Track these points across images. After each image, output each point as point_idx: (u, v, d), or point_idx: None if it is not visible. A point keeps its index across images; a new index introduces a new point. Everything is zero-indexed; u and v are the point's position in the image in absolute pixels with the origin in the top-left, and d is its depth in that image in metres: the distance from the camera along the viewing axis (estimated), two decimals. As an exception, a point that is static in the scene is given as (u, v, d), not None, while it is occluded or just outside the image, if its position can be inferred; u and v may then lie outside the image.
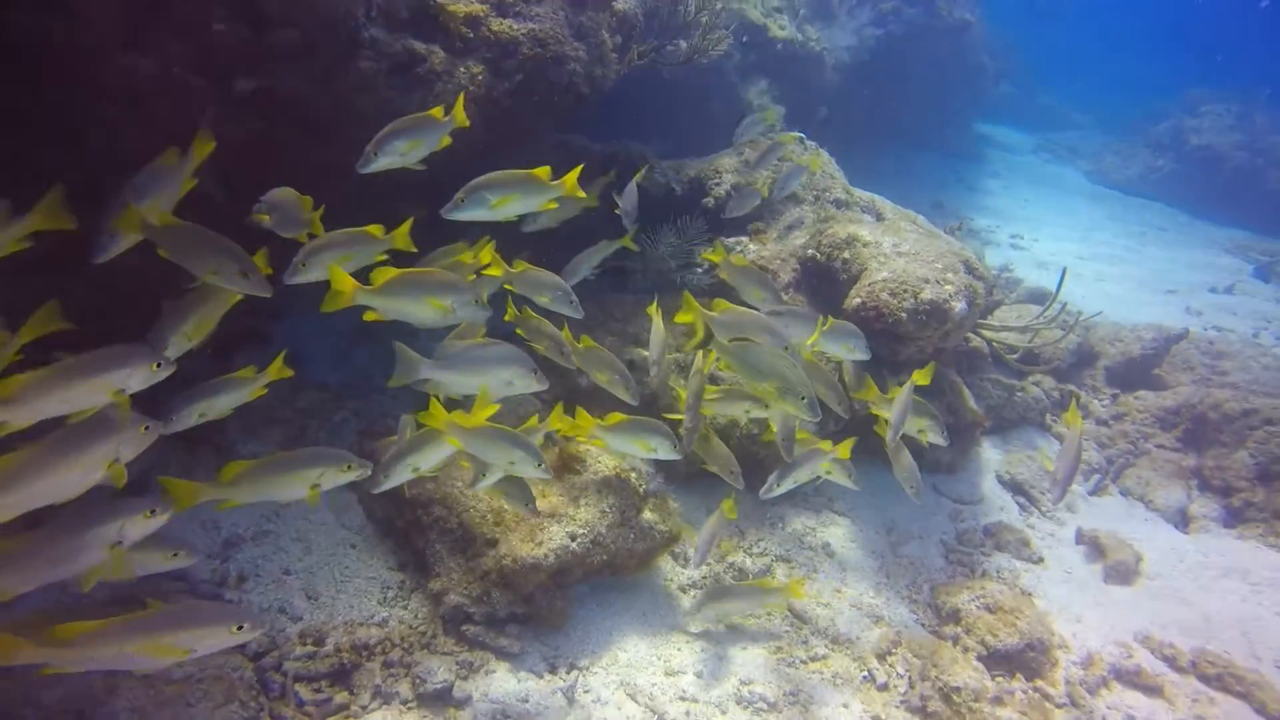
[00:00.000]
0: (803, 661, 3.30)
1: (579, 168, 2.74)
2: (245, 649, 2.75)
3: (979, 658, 3.44)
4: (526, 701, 2.89)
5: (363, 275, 2.43)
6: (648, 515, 3.32)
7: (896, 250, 4.15)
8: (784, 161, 4.67)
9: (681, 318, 3.24)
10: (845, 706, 3.13)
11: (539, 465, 2.52)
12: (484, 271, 2.95)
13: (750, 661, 3.24)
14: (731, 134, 4.87)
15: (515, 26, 3.44)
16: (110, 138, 2.74)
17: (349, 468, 2.31)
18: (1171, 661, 3.71)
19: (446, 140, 2.63)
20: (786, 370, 2.89)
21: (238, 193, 2.57)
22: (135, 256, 2.24)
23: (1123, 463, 5.16)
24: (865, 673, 3.30)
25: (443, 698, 2.83)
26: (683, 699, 3.03)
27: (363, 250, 2.52)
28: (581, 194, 2.79)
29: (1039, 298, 6.72)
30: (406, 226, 2.61)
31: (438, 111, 2.59)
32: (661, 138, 5.63)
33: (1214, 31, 23.79)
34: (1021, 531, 4.36)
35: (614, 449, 3.03)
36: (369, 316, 2.43)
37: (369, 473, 2.37)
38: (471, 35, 3.34)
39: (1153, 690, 3.55)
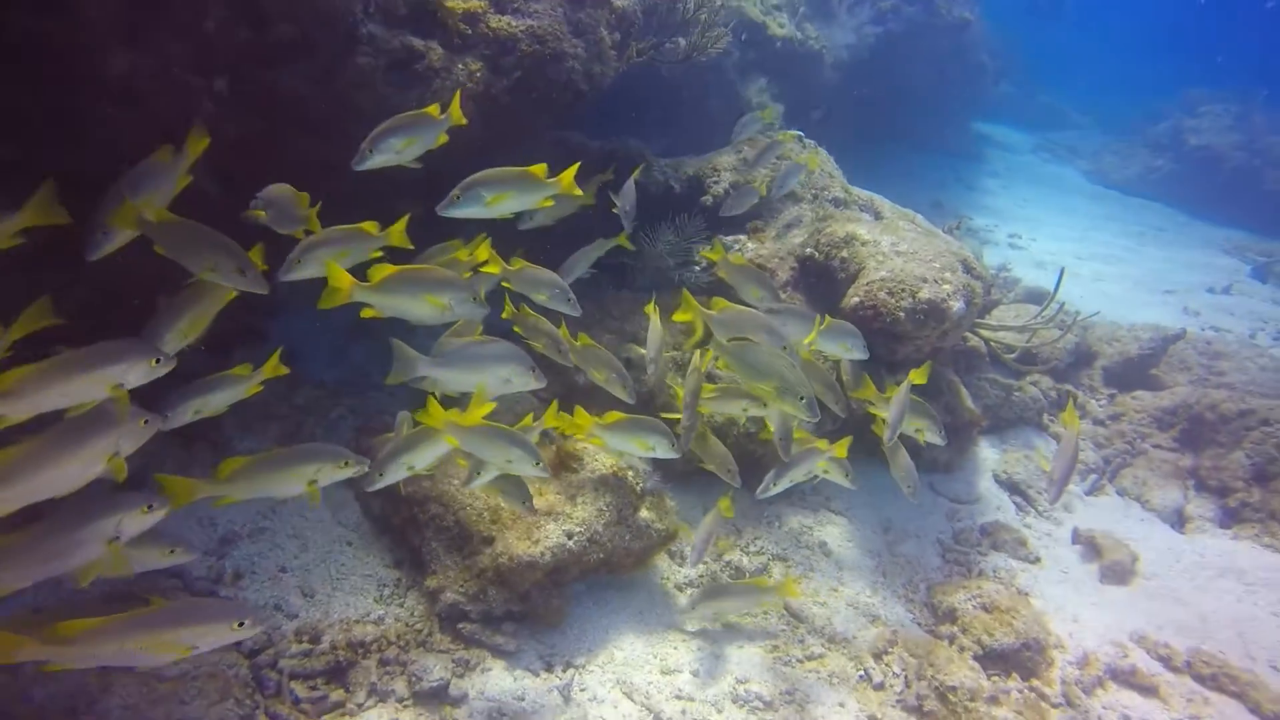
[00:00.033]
0: (799, 660, 3.30)
1: (576, 165, 2.73)
2: (241, 646, 2.74)
3: (975, 657, 3.44)
4: (523, 700, 2.89)
5: (361, 272, 2.43)
6: (645, 514, 3.32)
7: (895, 249, 4.14)
8: (782, 160, 4.66)
9: (680, 316, 3.24)
10: (841, 705, 3.13)
11: (537, 464, 2.51)
12: (482, 269, 2.95)
13: (747, 660, 3.24)
14: (730, 132, 4.86)
15: (514, 23, 3.42)
16: (109, 136, 2.73)
17: (346, 464, 2.30)
18: (1167, 661, 3.72)
19: (443, 138, 2.63)
20: (785, 370, 2.89)
21: (235, 189, 2.56)
22: (131, 253, 2.23)
23: (1120, 463, 5.16)
24: (861, 672, 3.30)
25: (439, 696, 2.83)
26: (679, 698, 3.03)
27: (358, 247, 2.51)
28: (578, 192, 2.78)
29: (1037, 297, 6.73)
30: (402, 224, 2.61)
31: (434, 109, 2.58)
32: (660, 135, 5.62)
33: (1215, 32, 23.81)
34: (1018, 531, 4.36)
35: (612, 447, 3.02)
36: (367, 314, 2.42)
37: (366, 469, 2.36)
38: (470, 32, 3.32)
39: (1148, 690, 3.55)
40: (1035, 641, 3.50)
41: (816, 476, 3.31)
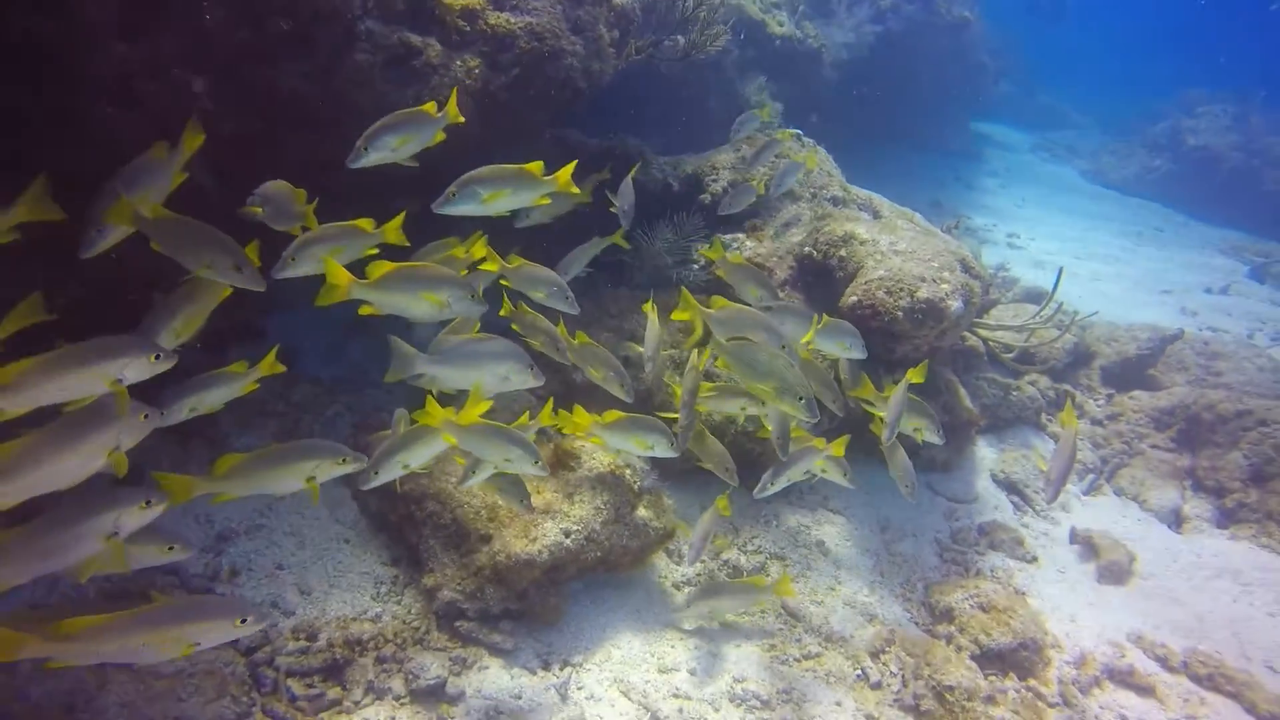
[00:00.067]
0: (796, 659, 3.30)
1: (573, 164, 2.72)
2: (238, 643, 2.74)
3: (972, 657, 3.44)
4: (520, 698, 2.89)
5: (358, 269, 2.42)
6: (642, 512, 3.32)
7: (893, 248, 4.14)
8: (781, 158, 4.66)
9: (679, 315, 3.23)
10: (838, 705, 3.13)
11: (536, 462, 2.51)
12: (480, 266, 2.94)
13: (744, 659, 3.24)
14: (729, 130, 4.86)
15: (512, 20, 3.42)
16: (105, 132, 2.72)
17: (344, 460, 2.30)
18: (1164, 661, 3.72)
19: (440, 136, 2.61)
20: (785, 370, 2.89)
21: (232, 186, 2.55)
22: (128, 250, 2.22)
23: (1117, 463, 5.17)
24: (859, 671, 3.30)
25: (436, 694, 2.83)
26: (676, 696, 3.03)
27: (353, 244, 2.50)
28: (575, 190, 2.77)
29: (1035, 297, 6.73)
30: (398, 221, 2.60)
31: (430, 107, 2.57)
32: (659, 133, 5.61)
33: (1217, 34, 23.84)
34: (1016, 530, 4.36)
35: (611, 446, 3.02)
36: (364, 311, 2.41)
37: (364, 465, 2.36)
38: (468, 28, 3.32)
39: (1145, 690, 3.56)
40: (1032, 641, 3.51)
41: (814, 475, 3.30)
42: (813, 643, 3.39)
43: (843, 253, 4.19)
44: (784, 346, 2.97)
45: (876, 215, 4.77)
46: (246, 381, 2.38)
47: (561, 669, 3.05)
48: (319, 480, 2.27)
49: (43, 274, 2.07)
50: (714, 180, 4.62)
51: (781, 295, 4.17)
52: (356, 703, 2.75)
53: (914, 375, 3.18)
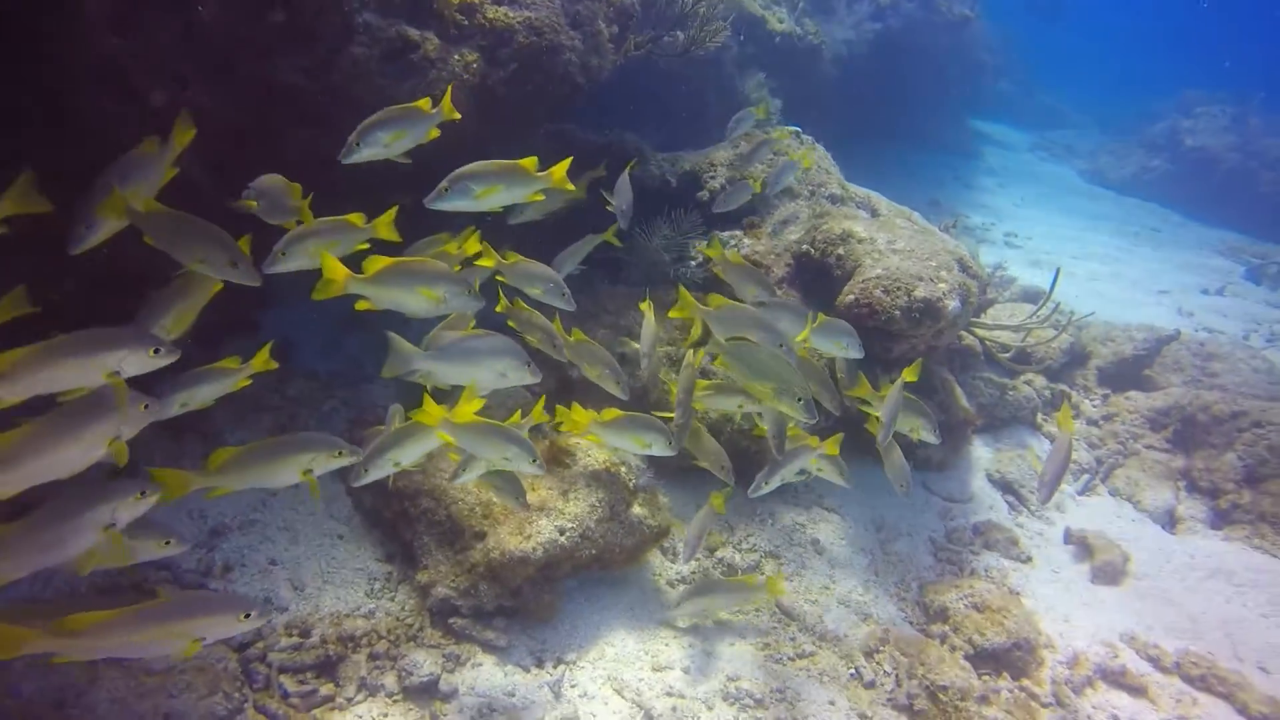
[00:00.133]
0: (790, 658, 3.30)
1: (568, 160, 2.70)
2: (230, 639, 2.73)
3: (966, 656, 3.45)
4: (513, 695, 2.88)
5: (355, 265, 2.40)
6: (637, 510, 3.31)
7: (891, 247, 4.13)
8: (779, 156, 4.64)
9: (676, 313, 3.22)
10: (832, 704, 3.13)
11: (533, 460, 2.50)
12: (476, 262, 2.92)
13: (738, 657, 3.24)
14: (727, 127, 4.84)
15: (511, 14, 3.39)
16: (99, 126, 2.69)
17: (340, 453, 2.28)
18: (1156, 662, 3.73)
19: (434, 133, 2.59)
20: (784, 370, 2.88)
21: (228, 180, 2.53)
22: (118, 246, 2.20)
23: (1112, 463, 5.17)
24: (852, 670, 3.30)
25: (429, 690, 2.82)
26: (669, 695, 3.02)
27: (345, 239, 2.48)
28: (570, 186, 2.75)
29: (1033, 296, 6.74)
30: (390, 215, 2.57)
31: (425, 103, 2.55)
32: (658, 129, 5.59)
33: (1219, 36, 23.86)
34: (1010, 530, 4.37)
35: (609, 445, 3.01)
36: (361, 306, 2.40)
37: (360, 458, 2.35)
38: (466, 22, 3.29)
39: (1137, 690, 3.57)
40: (1026, 641, 3.51)
41: (809, 474, 3.30)
42: (807, 641, 3.39)
43: (840, 251, 4.18)
44: (782, 345, 2.97)
45: (875, 213, 4.76)
46: (239, 377, 2.37)
47: (555, 667, 3.04)
48: (315, 473, 2.26)
49: (32, 268, 2.05)
50: (712, 177, 4.61)
51: (779, 293, 4.16)
52: (349, 699, 2.74)
53: (909, 374, 3.17)
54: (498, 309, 3.14)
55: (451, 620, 3.02)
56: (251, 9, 2.78)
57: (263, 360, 2.40)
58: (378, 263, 2.37)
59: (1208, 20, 24.92)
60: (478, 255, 2.90)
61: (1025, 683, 3.44)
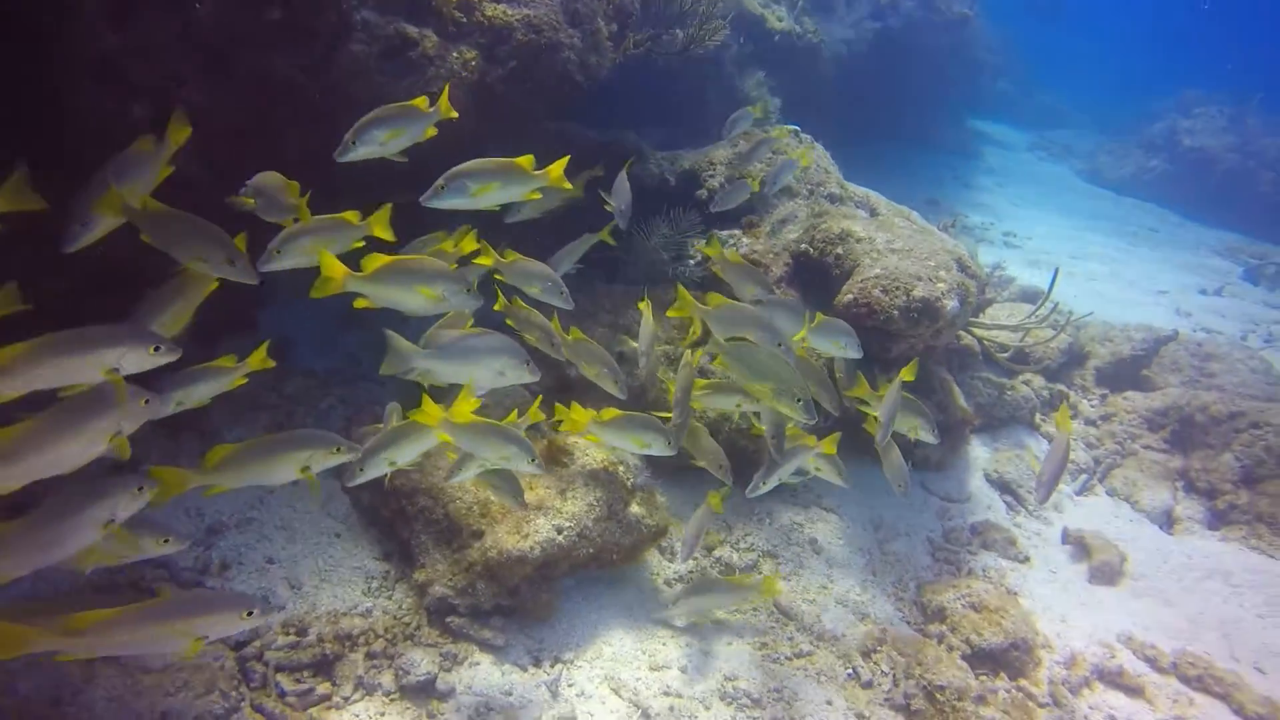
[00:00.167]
0: (787, 658, 3.30)
1: (565, 158, 2.69)
2: (227, 638, 2.72)
3: (963, 656, 3.45)
4: (510, 695, 2.88)
5: (354, 263, 2.39)
6: (635, 509, 3.31)
7: (889, 247, 4.13)
8: (778, 155, 4.64)
9: (675, 312, 3.21)
10: (829, 703, 3.13)
11: (532, 460, 2.50)
12: (474, 260, 2.92)
13: (735, 657, 3.24)
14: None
15: (509, 12, 3.39)
16: (100, 125, 2.68)
17: (338, 450, 2.28)
18: (1153, 662, 3.73)
19: (431, 131, 2.58)
20: (784, 371, 2.88)
21: (226, 177, 2.52)
22: (112, 244, 2.19)
23: (1110, 463, 5.18)
24: (850, 670, 3.30)
25: (426, 689, 2.82)
26: (667, 694, 3.02)
27: (340, 237, 2.47)
28: (567, 185, 2.74)
29: (1031, 296, 6.74)
30: (385, 213, 2.56)
31: (421, 102, 2.53)
32: (657, 128, 5.58)
33: (1221, 38, 23.88)
34: (1008, 530, 4.37)
35: (609, 444, 3.01)
36: (359, 304, 2.39)
37: (358, 455, 2.34)
38: (465, 20, 3.29)
39: (1134, 691, 3.57)
40: (1023, 641, 3.51)
41: (807, 473, 3.30)
42: (804, 641, 3.39)
43: (839, 250, 4.18)
44: (781, 345, 2.96)
45: (873, 213, 4.75)
46: (235, 376, 2.36)
47: (552, 666, 3.04)
48: (313, 470, 2.25)
49: (24, 266, 2.04)
50: (711, 176, 4.61)
51: (777, 292, 4.16)
52: (346, 698, 2.74)
53: (906, 374, 3.17)
54: (496, 307, 3.13)
55: (449, 619, 3.01)
56: (249, 5, 2.77)
57: (259, 359, 2.39)
58: (376, 261, 2.36)
59: (1207, 21, 24.95)
60: (475, 253, 2.89)
61: (1022, 683, 3.45)
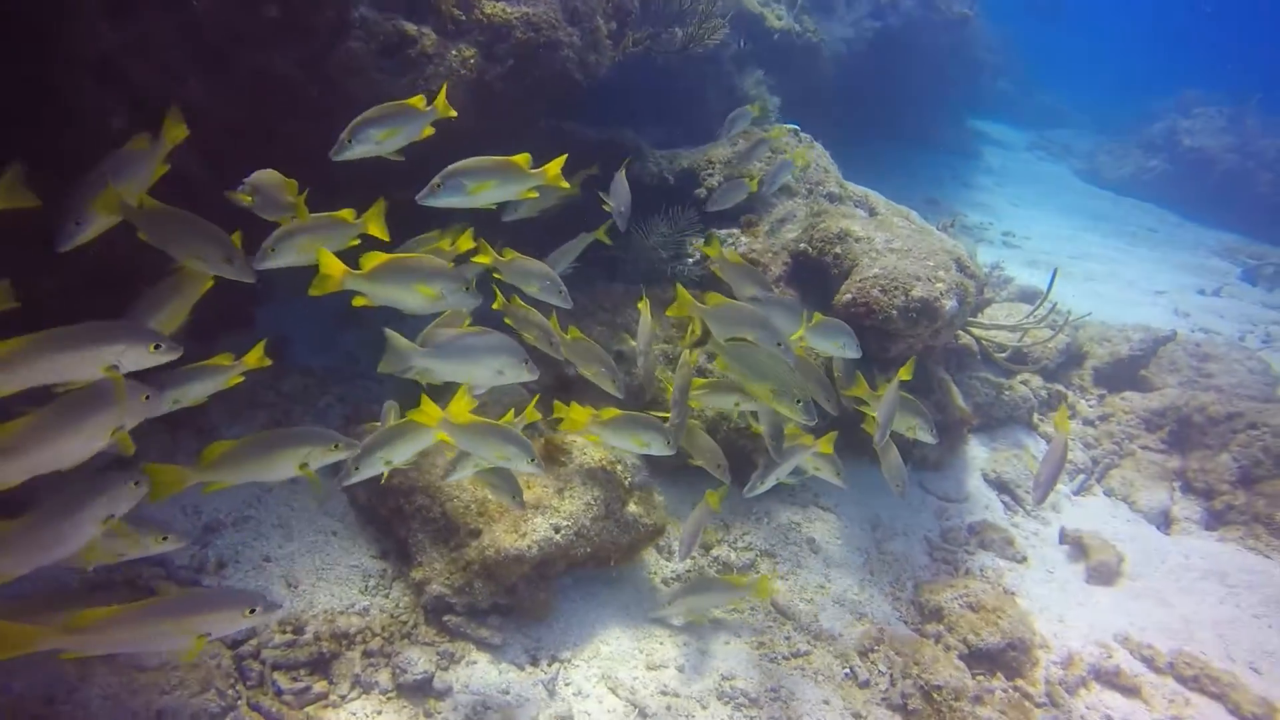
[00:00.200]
0: (785, 657, 3.30)
1: (563, 157, 2.69)
2: (223, 636, 2.71)
3: (961, 656, 3.45)
4: (507, 693, 2.88)
5: (352, 261, 2.39)
6: (633, 508, 3.30)
7: (888, 246, 4.13)
8: (777, 154, 4.63)
9: (674, 311, 3.21)
10: (826, 703, 3.13)
11: (532, 460, 2.50)
12: (473, 259, 2.91)
13: (732, 656, 3.24)
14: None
15: (508, 10, 3.38)
16: (98, 123, 2.67)
17: (336, 446, 2.27)
18: (1150, 662, 3.74)
19: (428, 130, 2.57)
20: (784, 372, 2.88)
21: (224, 175, 2.52)
22: (107, 243, 2.18)
23: (1108, 463, 5.18)
24: (847, 670, 3.30)
25: (423, 688, 2.81)
26: (664, 693, 3.02)
27: (335, 235, 2.46)
28: (564, 183, 2.73)
29: (1030, 296, 6.74)
30: (379, 210, 2.56)
31: (419, 100, 2.52)
32: (656, 126, 5.58)
33: (1222, 40, 23.90)
34: (1006, 530, 4.37)
35: (608, 444, 3.00)
36: (358, 302, 2.39)
37: (356, 452, 2.33)
38: (464, 18, 3.28)
39: (1131, 691, 3.58)
40: (1020, 641, 3.52)
41: (805, 472, 3.29)
42: (801, 640, 3.39)
43: (838, 250, 4.17)
44: (780, 344, 2.96)
45: (872, 212, 4.75)
46: (231, 374, 2.35)
47: (550, 665, 3.04)
48: (312, 467, 2.25)
49: (16, 263, 2.03)
50: (710, 175, 4.60)
51: (775, 291, 4.15)
52: (343, 697, 2.74)
53: (903, 373, 3.17)
54: (494, 306, 3.13)
55: (446, 618, 3.01)
56: (247, 3, 2.76)
57: (256, 357, 2.38)
58: (375, 259, 2.35)
59: (1207, 21, 24.96)
60: (472, 252, 2.89)
61: (1019, 683, 3.45)
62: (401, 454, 2.43)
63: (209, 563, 2.98)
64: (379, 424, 2.89)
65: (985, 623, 3.54)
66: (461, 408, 2.41)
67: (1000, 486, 4.74)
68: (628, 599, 3.39)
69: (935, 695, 3.20)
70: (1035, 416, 5.34)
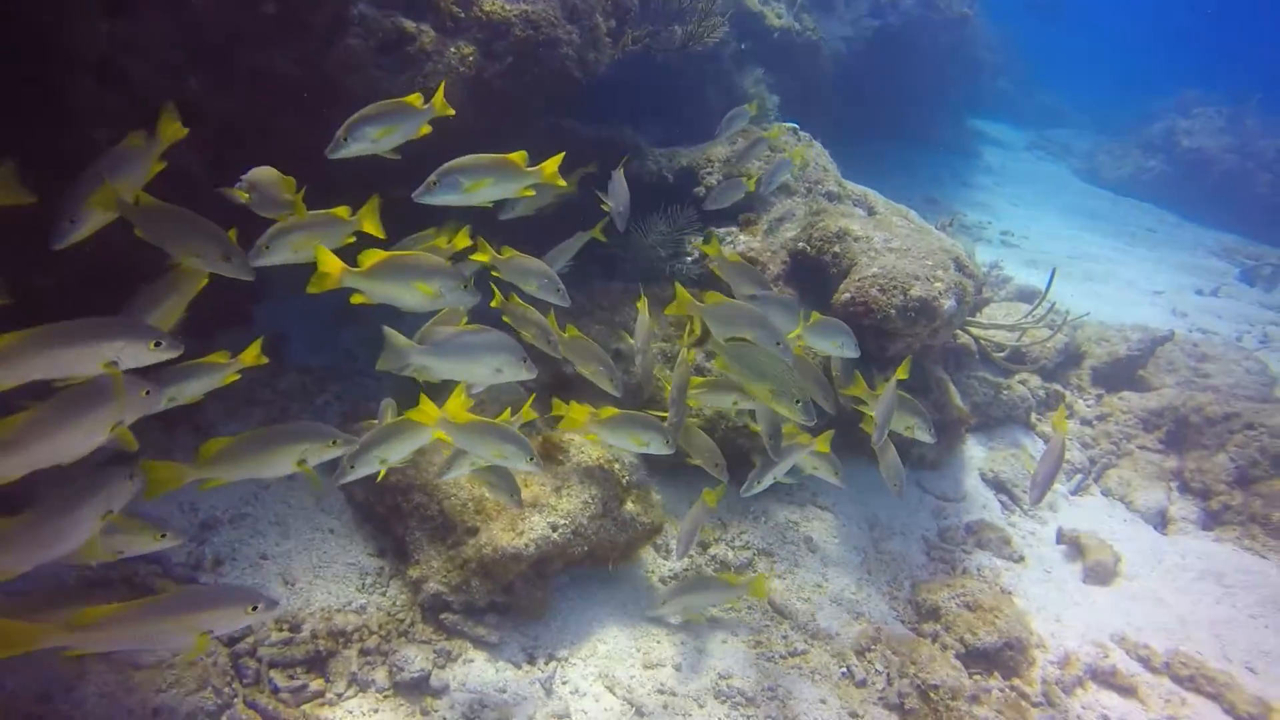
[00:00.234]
0: (782, 656, 3.30)
1: (560, 155, 2.68)
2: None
3: (957, 655, 3.45)
4: (504, 692, 2.88)
5: (351, 259, 2.38)
6: (630, 507, 3.30)
7: (887, 245, 4.13)
8: (776, 153, 4.63)
9: (673, 310, 3.21)
10: (823, 702, 3.14)
11: (530, 459, 2.50)
12: (472, 257, 2.91)
13: (729, 655, 3.24)
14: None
15: (507, 7, 3.37)
16: (95, 120, 2.66)
17: (334, 443, 2.27)
18: (1146, 662, 3.74)
19: (425, 129, 2.57)
20: (782, 371, 2.88)
21: (221, 173, 2.51)
22: (102, 240, 2.17)
23: (1105, 463, 5.19)
24: (844, 669, 3.31)
25: (420, 686, 2.81)
26: (661, 692, 3.02)
27: (329, 233, 2.46)
28: (561, 182, 2.73)
29: (1028, 296, 6.75)
30: (372, 206, 2.55)
31: (416, 98, 2.51)
32: (655, 124, 5.57)
33: (1224, 40, 23.90)
34: (1003, 530, 4.37)
35: (607, 443, 3.00)
36: (356, 299, 2.38)
37: (354, 448, 2.33)
38: (462, 15, 3.27)
39: (1127, 691, 3.58)
40: (1017, 641, 3.52)
41: (802, 472, 3.29)
42: (799, 639, 3.39)
43: (836, 249, 4.17)
44: (778, 344, 2.96)
45: (871, 211, 4.75)
46: (228, 372, 2.35)
47: (547, 663, 3.04)
48: (310, 463, 2.24)
49: (13, 261, 2.02)
50: (709, 173, 4.60)
51: (774, 290, 4.15)
52: (340, 695, 2.74)
53: (901, 372, 3.17)
54: (493, 304, 3.13)
55: (443, 616, 3.01)
56: (245, 1, 2.75)
57: (253, 354, 2.38)
58: (373, 256, 2.35)
59: (1207, 21, 24.97)
60: (470, 250, 2.88)
61: (1016, 682, 3.45)
62: (398, 452, 2.42)
63: (206, 560, 2.97)
64: (376, 421, 2.88)
65: (982, 622, 3.55)
66: (459, 406, 2.40)
67: (998, 486, 4.74)
68: (625, 597, 3.39)
69: (932, 694, 3.21)
70: (1033, 416, 5.34)
